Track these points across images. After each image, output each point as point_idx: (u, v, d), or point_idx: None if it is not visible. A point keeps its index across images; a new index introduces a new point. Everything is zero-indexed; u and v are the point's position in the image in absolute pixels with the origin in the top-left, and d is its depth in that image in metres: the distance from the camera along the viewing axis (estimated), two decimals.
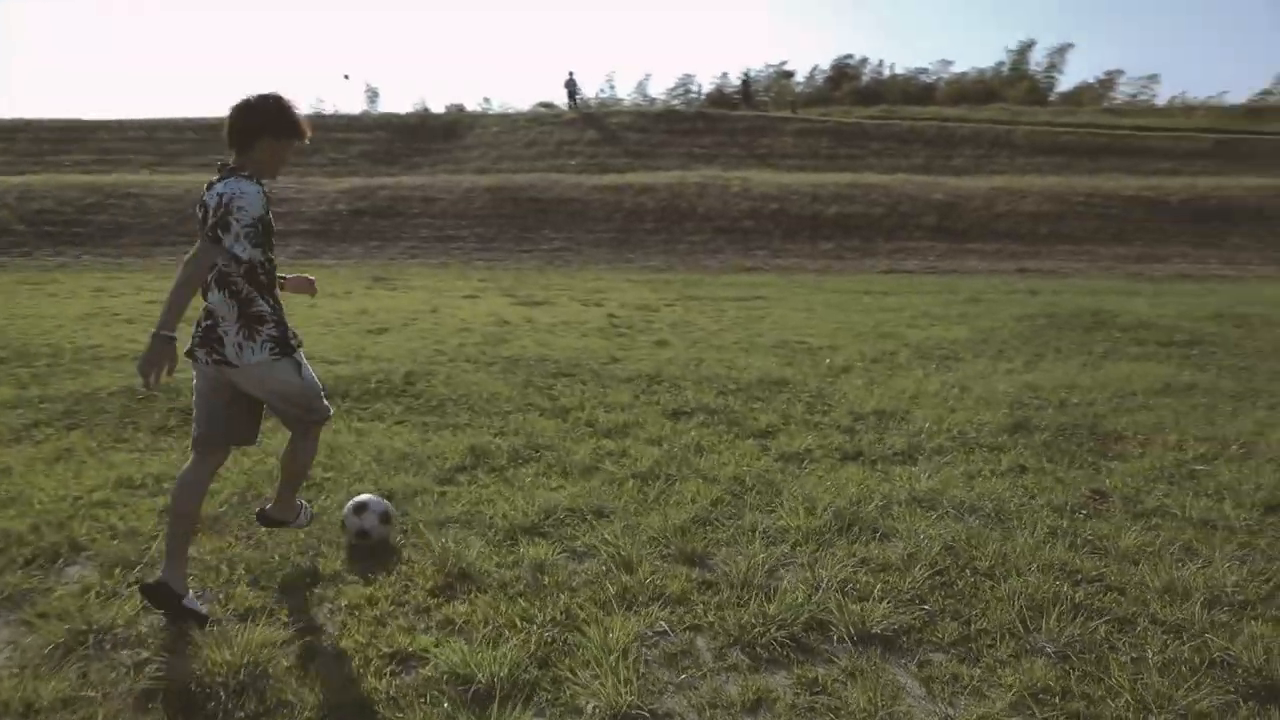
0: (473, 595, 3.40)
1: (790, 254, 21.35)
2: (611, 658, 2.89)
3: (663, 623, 3.21)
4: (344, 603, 3.37)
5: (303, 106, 3.31)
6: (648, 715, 2.67)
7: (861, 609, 3.23)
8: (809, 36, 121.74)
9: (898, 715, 2.67)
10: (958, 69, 54.75)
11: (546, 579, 3.54)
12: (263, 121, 3.17)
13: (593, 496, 4.49)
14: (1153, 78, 57.53)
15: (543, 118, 33.86)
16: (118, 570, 3.57)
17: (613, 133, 31.07)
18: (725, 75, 55.00)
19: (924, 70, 50.82)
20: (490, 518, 4.19)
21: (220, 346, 3.16)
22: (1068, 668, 2.90)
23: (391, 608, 3.33)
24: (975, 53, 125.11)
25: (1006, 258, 20.25)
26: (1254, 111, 32.57)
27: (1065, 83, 53.52)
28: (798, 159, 28.83)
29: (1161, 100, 40.58)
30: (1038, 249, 20.75)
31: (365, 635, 3.11)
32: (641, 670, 2.88)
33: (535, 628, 3.13)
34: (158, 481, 4.60)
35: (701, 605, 3.33)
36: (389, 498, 4.21)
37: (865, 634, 3.11)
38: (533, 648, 2.99)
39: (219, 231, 3.04)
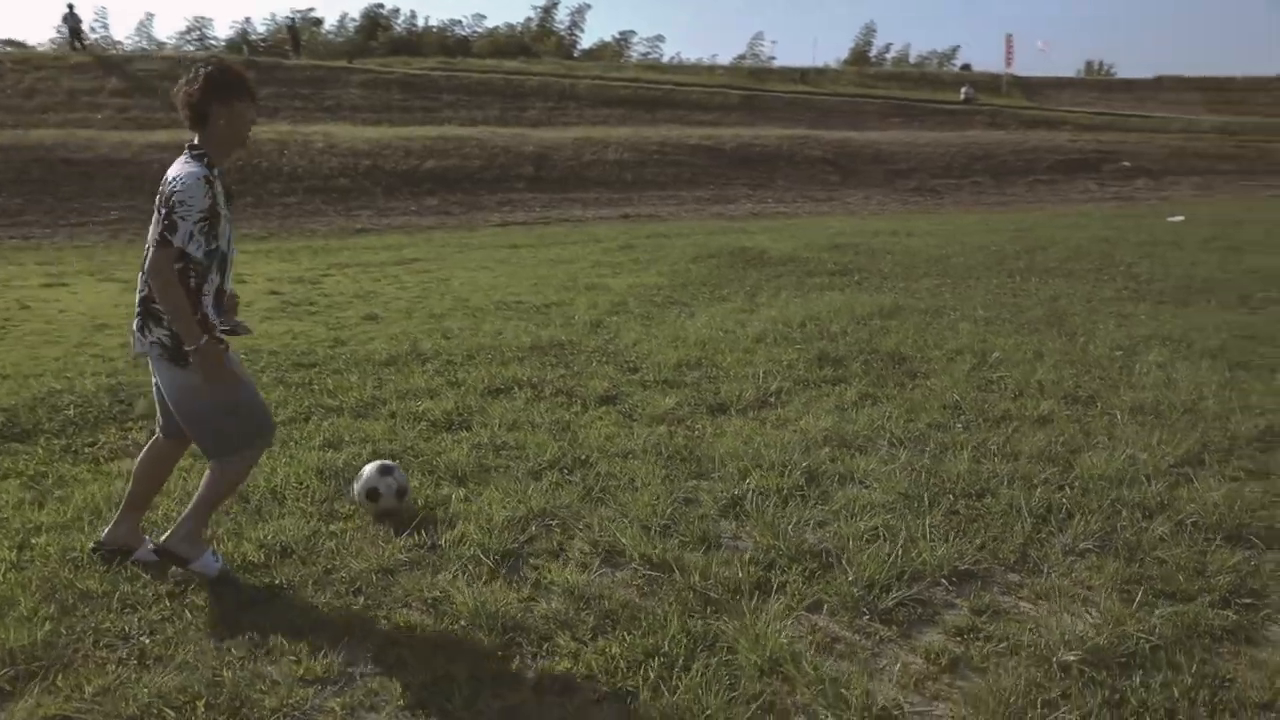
0: None
1: (396, 212, 20.19)
2: None
3: None
4: None
5: None
6: None
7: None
8: None
9: None
10: (490, 23, 56.15)
11: None
12: (203, 92, 2.98)
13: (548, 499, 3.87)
14: (659, 38, 64.84)
15: (37, 59, 27.58)
16: None
17: (142, 81, 26.39)
18: (248, 20, 49.96)
19: (458, 22, 51.12)
20: None
21: (132, 335, 3.13)
22: None
23: None
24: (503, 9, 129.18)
25: (606, 205, 21.37)
26: (757, 72, 38.25)
27: (586, 40, 58.09)
28: (371, 112, 27.25)
29: (667, 59, 46.17)
30: (630, 195, 22.22)
31: None
32: None
33: None
34: None
35: None
36: None
37: None
38: None
39: (167, 235, 2.93)
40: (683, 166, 23.93)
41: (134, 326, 3.08)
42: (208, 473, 3.19)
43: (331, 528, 3.66)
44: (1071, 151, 29.62)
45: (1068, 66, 63.23)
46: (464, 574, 3.26)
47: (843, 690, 2.57)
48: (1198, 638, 2.87)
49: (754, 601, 3.06)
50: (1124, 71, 58.12)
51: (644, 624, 2.91)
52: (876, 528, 3.58)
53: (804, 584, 3.19)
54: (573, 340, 7.03)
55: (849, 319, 7.73)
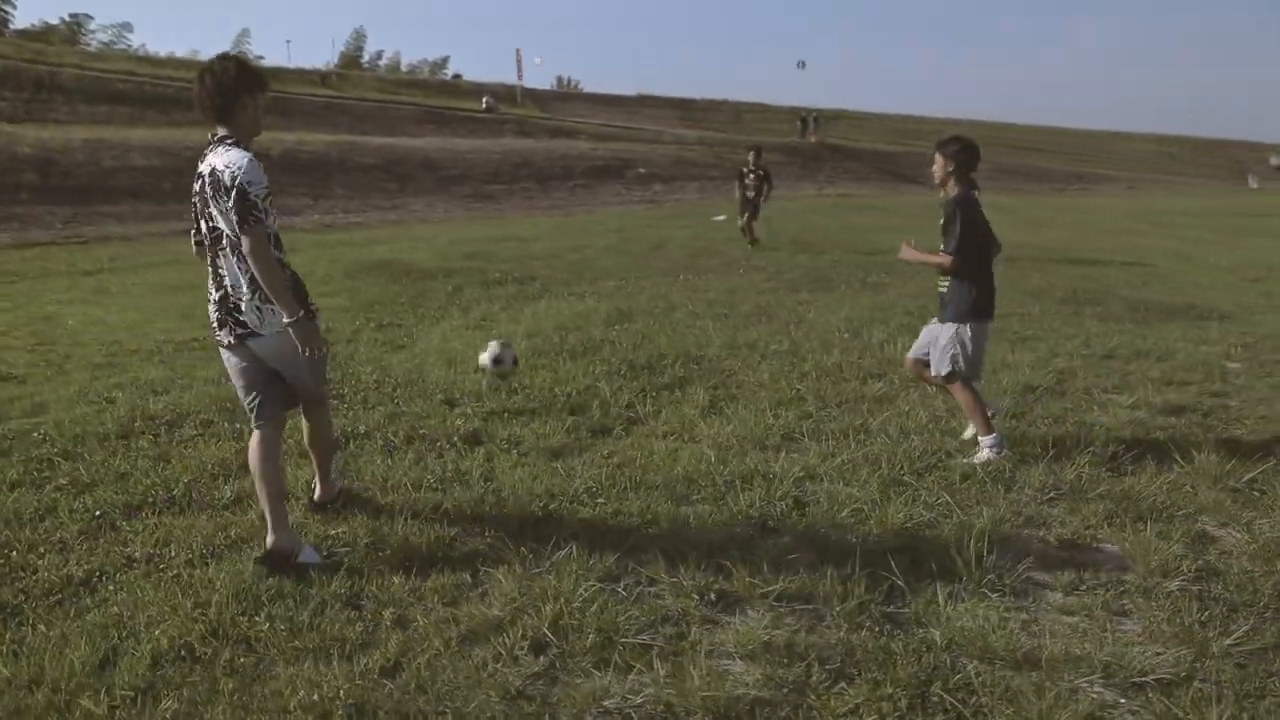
0: None
1: None
2: None
3: None
4: None
5: None
6: None
7: None
8: None
9: None
10: None
11: None
12: (235, 82, 3.15)
13: None
14: (126, 25, 56.43)
15: None
16: None
17: None
18: None
19: None
20: None
21: (239, 316, 3.25)
22: None
23: None
24: None
25: (152, 219, 18.17)
26: (273, 73, 35.26)
27: (22, 17, 49.68)
28: None
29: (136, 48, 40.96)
30: (178, 209, 19.15)
31: None
32: None
33: None
34: None
35: None
36: None
37: None
38: None
39: (255, 216, 3.10)
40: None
41: (251, 316, 3.25)
42: (321, 431, 3.70)
43: None
44: (596, 159, 32.61)
45: (540, 80, 69.46)
46: None
47: None
48: None
49: None
50: (588, 87, 65.66)
51: None
52: None
53: None
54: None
55: (602, 324, 7.77)
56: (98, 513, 3.83)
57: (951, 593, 3.27)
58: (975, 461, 4.62)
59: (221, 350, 3.38)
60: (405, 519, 3.76)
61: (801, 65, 64.78)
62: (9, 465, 4.40)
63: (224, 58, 3.24)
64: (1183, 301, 10.26)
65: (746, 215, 14.90)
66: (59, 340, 7.37)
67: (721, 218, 21.18)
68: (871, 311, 8.80)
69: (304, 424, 3.68)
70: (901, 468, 4.49)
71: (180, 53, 42.63)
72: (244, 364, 3.35)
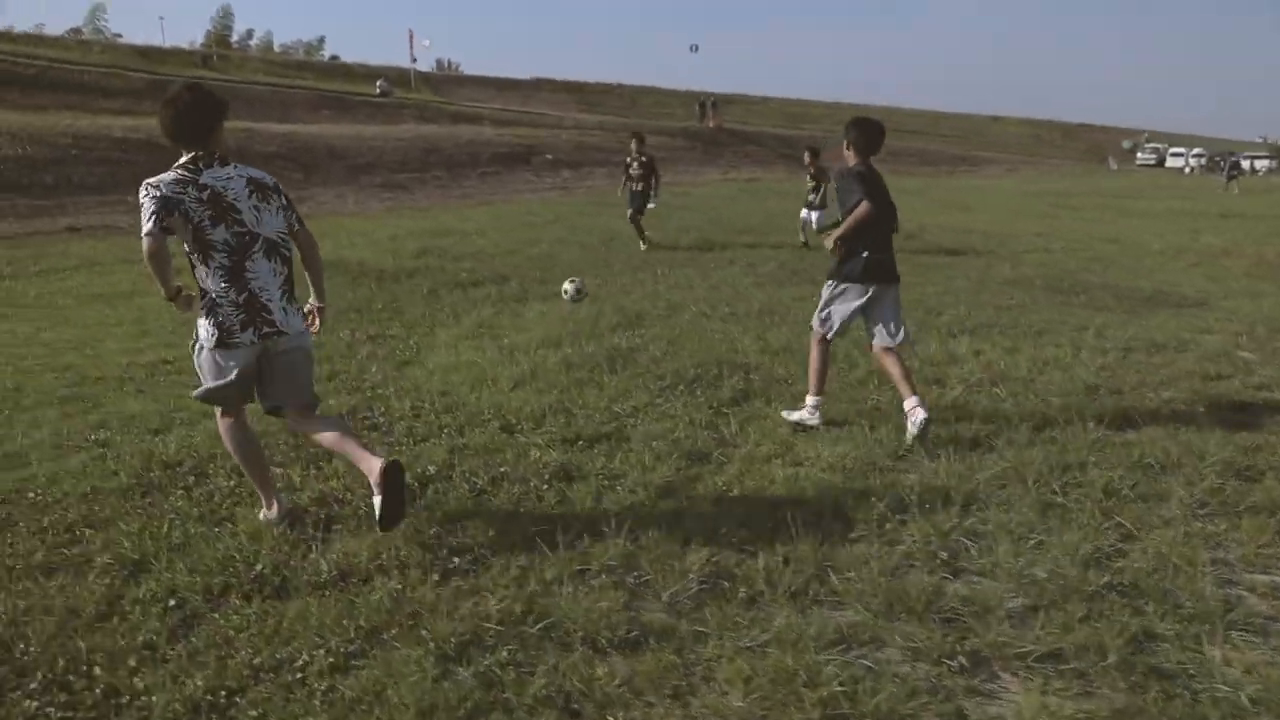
0: None
1: None
2: None
3: None
4: None
5: None
6: None
7: None
8: None
9: None
10: None
11: None
12: (215, 108, 3.40)
13: None
14: None
15: None
16: None
17: None
18: None
19: None
20: None
21: (269, 316, 3.45)
22: None
23: None
24: None
25: (37, 214, 16.35)
26: (146, 52, 32.58)
27: None
28: None
29: None
30: (63, 202, 17.30)
31: None
32: None
33: None
34: None
35: None
36: None
37: None
38: None
39: (296, 210, 3.63)
40: (119, 165, 19.40)
41: (288, 310, 3.52)
42: (330, 425, 3.72)
43: None
44: (502, 145, 31.58)
45: (423, 62, 66.81)
46: None
47: None
48: None
49: None
50: (468, 69, 63.30)
51: None
52: None
53: None
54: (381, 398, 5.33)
55: (615, 329, 7.26)
56: (172, 602, 3.11)
57: (1203, 634, 2.98)
58: (790, 418, 5.11)
59: (221, 352, 3.44)
60: (562, 588, 3.22)
61: (695, 49, 64.83)
62: (20, 539, 3.58)
63: (197, 87, 3.46)
64: (1150, 288, 10.48)
65: (632, 211, 13.05)
66: None
67: (652, 205, 20.77)
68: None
69: (318, 439, 3.70)
70: (1049, 485, 4.21)
71: (22, 27, 38.66)
72: (247, 364, 3.48)
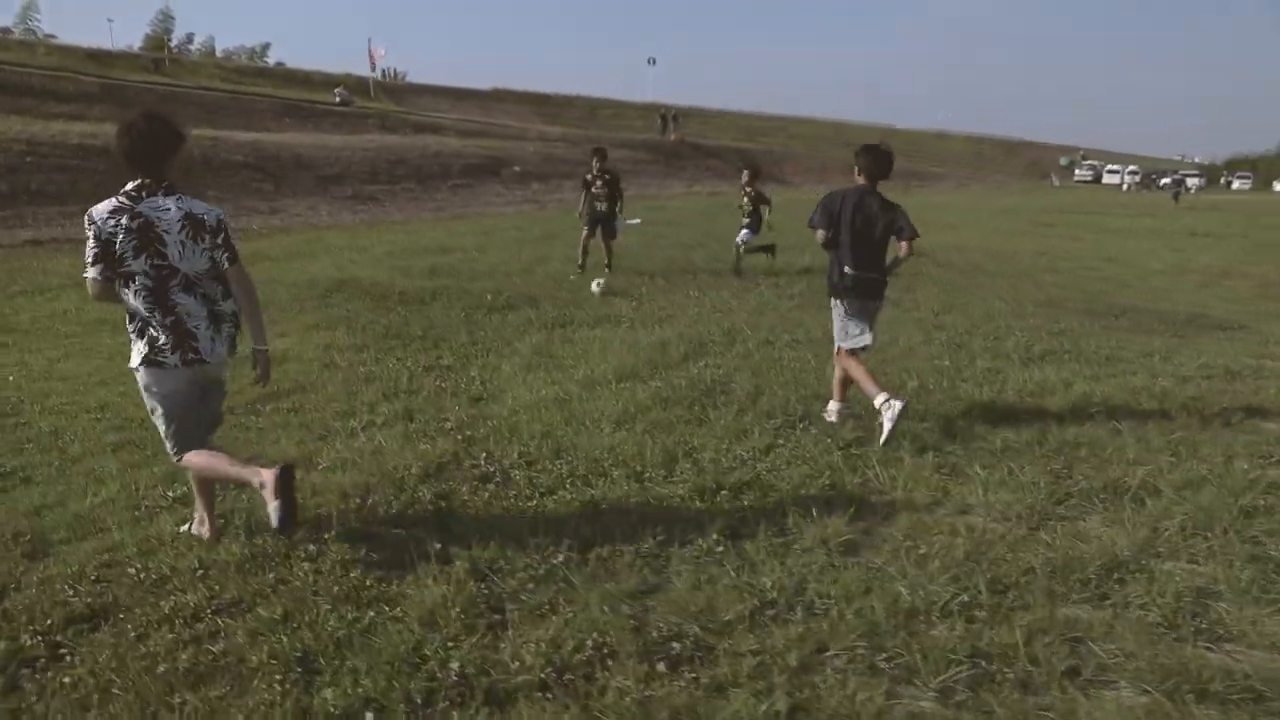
0: None
1: None
2: None
3: None
4: None
5: None
6: None
7: None
8: None
9: None
10: None
11: None
12: (170, 139, 3.44)
13: None
14: None
15: None
16: None
17: None
18: None
19: None
20: None
21: (194, 344, 3.51)
22: None
23: None
24: None
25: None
26: (96, 55, 31.11)
27: None
28: None
29: None
30: (21, 213, 16.23)
31: None
32: None
33: None
34: None
35: None
36: None
37: None
38: None
39: (236, 251, 3.61)
40: (78, 173, 18.30)
41: (215, 339, 3.58)
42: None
43: None
44: (470, 157, 30.89)
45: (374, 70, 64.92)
46: None
47: None
48: None
49: None
50: (413, 78, 61.54)
51: None
52: None
53: None
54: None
55: (686, 360, 6.86)
56: (370, 715, 2.61)
57: None
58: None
59: (150, 372, 3.50)
60: (811, 675, 2.81)
61: (652, 62, 64.79)
62: (148, 633, 3.03)
63: (152, 117, 3.46)
64: (1183, 310, 10.44)
65: (596, 231, 11.54)
66: (19, 407, 5.64)
67: (636, 221, 20.39)
68: (921, 330, 8.32)
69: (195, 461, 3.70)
70: (1240, 532, 3.93)
71: None
72: (181, 389, 3.55)
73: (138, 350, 3.49)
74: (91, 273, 3.36)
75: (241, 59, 71.34)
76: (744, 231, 12.01)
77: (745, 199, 12.01)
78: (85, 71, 27.72)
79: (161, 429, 3.62)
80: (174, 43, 70.03)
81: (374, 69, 42.33)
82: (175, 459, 3.67)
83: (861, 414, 5.55)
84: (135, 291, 3.41)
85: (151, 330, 3.46)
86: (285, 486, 3.42)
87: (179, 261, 3.44)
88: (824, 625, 3.15)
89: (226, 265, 3.55)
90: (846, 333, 5.43)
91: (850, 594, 3.38)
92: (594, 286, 10.14)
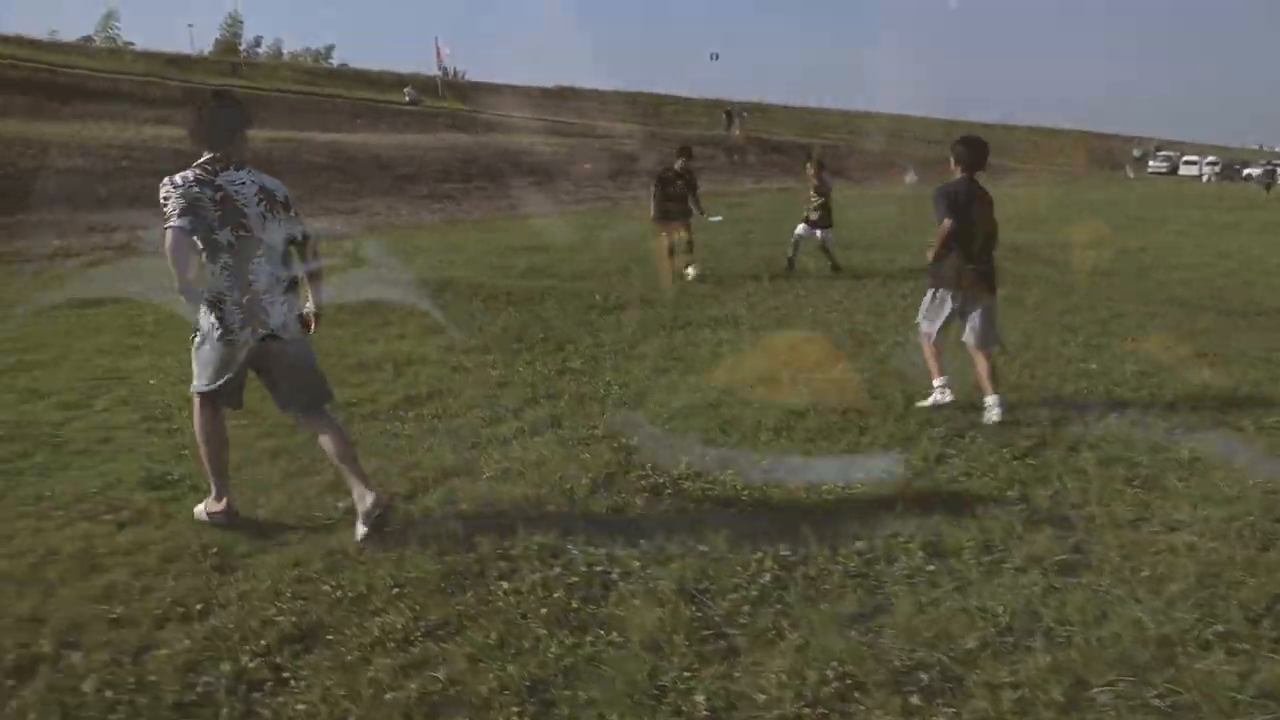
0: None
1: None
2: None
3: None
4: None
5: None
6: None
7: None
8: None
9: None
10: None
11: None
12: (238, 117, 3.63)
13: None
14: None
15: None
16: None
17: None
18: None
19: None
20: None
21: (266, 319, 3.58)
22: None
23: None
24: None
25: (79, 232, 15.69)
26: (175, 60, 31.94)
27: None
28: None
29: None
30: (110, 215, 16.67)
31: None
32: None
33: None
34: None
35: None
36: None
37: None
38: None
39: (303, 223, 3.75)
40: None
41: (287, 313, 3.65)
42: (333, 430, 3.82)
43: None
44: (540, 155, 30.97)
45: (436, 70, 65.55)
46: None
47: None
48: None
49: None
50: (474, 77, 61.93)
51: None
52: None
53: None
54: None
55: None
56: None
57: None
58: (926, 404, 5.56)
59: (219, 345, 3.55)
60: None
61: (714, 57, 64.43)
62: (366, 655, 2.93)
63: (222, 95, 3.73)
64: None
65: (679, 234, 10.93)
66: (169, 412, 5.64)
67: (719, 218, 20.14)
68: (1053, 332, 7.96)
69: (320, 443, 3.83)
70: None
71: (36, 33, 37.76)
72: (242, 360, 3.60)
73: (208, 323, 3.57)
74: (179, 221, 3.33)
75: (308, 61, 72.74)
76: (816, 231, 11.57)
77: (813, 191, 11.63)
78: (169, 77, 28.45)
79: (197, 366, 3.67)
80: (243, 46, 71.72)
81: (440, 67, 42.73)
82: (196, 390, 3.72)
83: (1031, 422, 5.28)
84: (218, 265, 3.50)
85: (227, 305, 3.53)
86: (380, 522, 3.69)
87: (261, 231, 3.55)
88: (1073, 655, 2.93)
89: (301, 239, 3.69)
90: (931, 321, 5.53)
91: (1087, 620, 3.14)
92: (689, 271, 10.57)
